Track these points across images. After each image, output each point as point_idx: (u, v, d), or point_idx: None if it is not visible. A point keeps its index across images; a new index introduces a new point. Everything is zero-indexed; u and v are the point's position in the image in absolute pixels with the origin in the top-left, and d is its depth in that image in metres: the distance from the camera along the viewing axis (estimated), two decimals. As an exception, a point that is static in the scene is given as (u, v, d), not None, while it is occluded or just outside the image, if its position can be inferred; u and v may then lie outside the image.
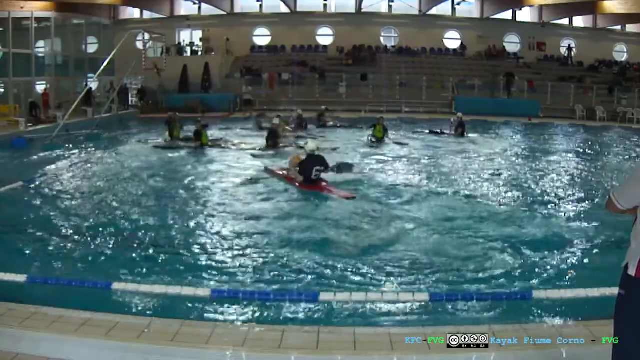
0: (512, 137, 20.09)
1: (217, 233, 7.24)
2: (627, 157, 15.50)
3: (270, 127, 15.41)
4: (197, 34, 31.95)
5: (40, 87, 23.95)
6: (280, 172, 10.77)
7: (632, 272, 2.64)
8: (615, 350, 2.76)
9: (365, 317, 4.57)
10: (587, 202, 9.29)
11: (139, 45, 26.75)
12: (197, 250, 6.52)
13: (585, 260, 6.23)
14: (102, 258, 6.17)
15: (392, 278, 5.67)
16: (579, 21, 34.65)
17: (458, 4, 33.68)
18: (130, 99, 27.19)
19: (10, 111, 19.65)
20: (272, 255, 6.33)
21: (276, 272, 5.79)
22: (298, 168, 9.69)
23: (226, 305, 4.76)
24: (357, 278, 5.64)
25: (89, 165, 12.46)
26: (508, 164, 13.68)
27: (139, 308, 4.65)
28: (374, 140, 16.01)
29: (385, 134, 16.14)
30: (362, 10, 33.27)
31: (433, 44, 33.11)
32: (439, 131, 18.81)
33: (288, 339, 3.83)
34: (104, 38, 27.89)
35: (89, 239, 6.86)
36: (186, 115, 19.55)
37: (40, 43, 24.91)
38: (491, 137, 19.11)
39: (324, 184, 9.68)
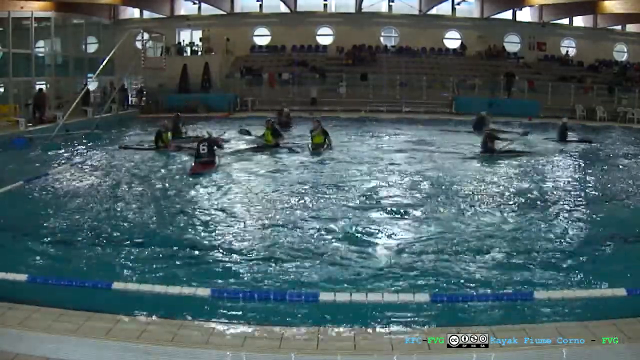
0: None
1: (215, 230, 7.26)
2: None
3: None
4: (197, 34, 31.92)
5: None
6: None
7: None
8: None
9: (365, 318, 4.56)
10: (591, 203, 9.28)
11: (139, 45, 26.74)
12: (197, 250, 6.51)
13: (586, 261, 6.22)
14: (103, 258, 6.17)
15: (392, 277, 5.67)
16: (579, 21, 34.66)
17: (458, 3, 33.68)
18: (130, 98, 27.22)
19: (10, 111, 19.62)
20: (270, 251, 6.34)
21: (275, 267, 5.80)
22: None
23: (226, 305, 4.76)
24: (358, 278, 5.64)
25: (88, 165, 12.45)
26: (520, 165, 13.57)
27: (139, 308, 4.65)
28: (312, 147, 14.06)
29: (326, 138, 14.33)
30: (362, 10, 33.26)
31: (433, 44, 33.09)
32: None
33: (288, 339, 3.82)
34: (104, 38, 27.83)
35: (88, 238, 6.86)
36: (187, 115, 19.52)
37: (40, 43, 24.85)
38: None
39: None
